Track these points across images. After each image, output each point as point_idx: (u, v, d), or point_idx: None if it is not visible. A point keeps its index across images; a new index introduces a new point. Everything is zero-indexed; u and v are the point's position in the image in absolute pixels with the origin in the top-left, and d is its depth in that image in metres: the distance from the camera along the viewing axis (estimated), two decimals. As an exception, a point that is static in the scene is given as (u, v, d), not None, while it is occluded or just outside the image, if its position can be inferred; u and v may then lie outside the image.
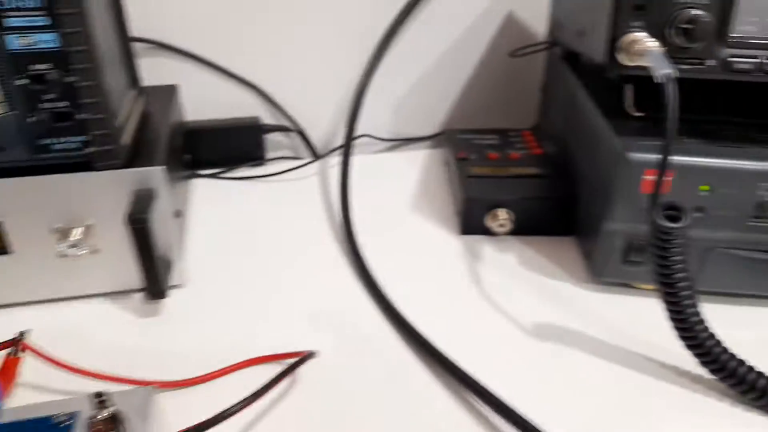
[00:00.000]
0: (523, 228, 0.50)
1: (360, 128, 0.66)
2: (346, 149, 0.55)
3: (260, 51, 0.62)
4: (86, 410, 0.28)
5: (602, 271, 0.44)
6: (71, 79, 0.35)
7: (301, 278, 0.46)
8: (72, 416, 0.28)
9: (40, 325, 0.39)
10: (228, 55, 0.61)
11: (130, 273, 0.42)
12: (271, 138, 0.64)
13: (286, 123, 0.65)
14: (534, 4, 0.65)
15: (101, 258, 0.41)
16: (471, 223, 0.51)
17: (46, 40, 0.34)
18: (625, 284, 0.45)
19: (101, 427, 0.26)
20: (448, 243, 0.51)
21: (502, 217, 0.49)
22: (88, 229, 0.40)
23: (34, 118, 0.36)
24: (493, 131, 0.63)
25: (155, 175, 0.39)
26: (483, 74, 0.68)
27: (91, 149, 0.37)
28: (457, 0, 0.63)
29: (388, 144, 0.69)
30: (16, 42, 0.34)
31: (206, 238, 0.51)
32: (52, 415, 0.28)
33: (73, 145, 0.37)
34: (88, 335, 0.40)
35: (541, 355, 0.39)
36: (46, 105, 0.36)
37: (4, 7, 0.33)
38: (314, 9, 0.61)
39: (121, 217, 0.40)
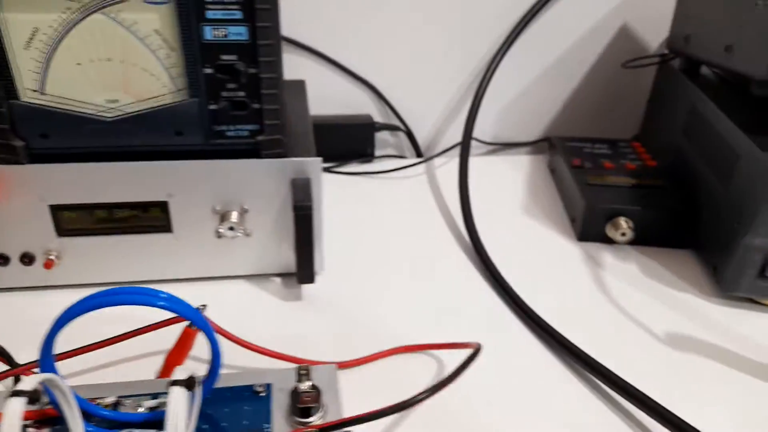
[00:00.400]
0: (642, 238, 0.51)
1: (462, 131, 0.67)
2: (464, 151, 0.57)
3: (375, 49, 0.63)
4: (279, 381, 0.30)
5: (735, 285, 0.44)
6: (253, 70, 0.37)
7: (428, 275, 0.47)
8: (268, 387, 0.30)
9: (195, 301, 0.42)
10: (342, 51, 0.63)
11: (274, 257, 0.44)
12: (378, 135, 0.66)
13: (394, 122, 0.66)
14: (649, 17, 0.65)
15: (251, 241, 0.43)
16: (590, 231, 0.52)
17: (238, 33, 0.36)
18: (750, 300, 0.45)
19: (309, 398, 0.27)
20: (567, 249, 0.51)
21: (623, 226, 0.50)
22: (243, 213, 0.42)
23: (214, 106, 0.38)
24: (601, 140, 0.63)
25: (313, 165, 0.41)
26: (588, 84, 0.68)
27: (261, 138, 0.40)
28: (571, 11, 0.64)
29: (488, 148, 0.70)
30: (210, 33, 0.36)
31: (330, 229, 0.52)
32: (252, 385, 0.29)
33: (243, 133, 0.40)
34: (238, 313, 0.42)
35: (676, 363, 0.39)
36: (227, 94, 0.38)
37: (209, 1, 0.35)
38: (431, 15, 0.62)
39: (276, 203, 0.42)
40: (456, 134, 0.68)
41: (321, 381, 0.29)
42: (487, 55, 0.65)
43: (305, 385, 0.28)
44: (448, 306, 0.44)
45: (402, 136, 0.68)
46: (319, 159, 0.41)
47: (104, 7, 0.35)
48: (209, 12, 0.35)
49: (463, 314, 0.43)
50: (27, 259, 0.40)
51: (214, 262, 0.43)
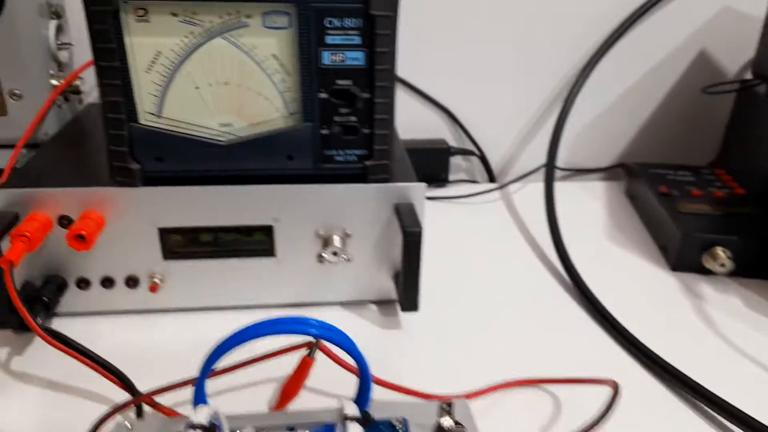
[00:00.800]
0: (740, 269, 0.49)
1: (536, 156, 0.67)
2: (549, 176, 0.56)
3: (449, 73, 0.63)
4: (415, 416, 0.29)
5: None
6: (366, 95, 0.37)
7: (523, 304, 0.46)
8: (404, 423, 0.29)
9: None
10: (417, 74, 0.63)
11: (372, 284, 0.43)
12: (451, 159, 0.66)
13: (468, 146, 0.66)
14: (728, 42, 0.64)
15: (351, 267, 0.42)
16: (685, 260, 0.50)
17: (355, 58, 0.36)
18: None
19: (457, 435, 0.26)
20: (662, 278, 0.50)
21: (722, 257, 0.48)
22: (345, 237, 0.41)
23: (326, 131, 0.38)
24: (681, 167, 0.62)
25: (417, 190, 0.40)
26: (664, 109, 0.67)
27: (369, 162, 0.39)
28: (651, 36, 0.63)
29: (561, 173, 0.69)
30: (328, 58, 0.36)
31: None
32: (389, 418, 0.28)
33: (352, 158, 0.39)
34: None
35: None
36: (339, 119, 0.38)
37: (330, 26, 0.35)
38: (506, 40, 0.62)
39: (377, 228, 0.41)
40: (530, 159, 0.68)
41: (458, 416, 0.28)
42: (562, 80, 0.64)
43: (448, 422, 0.27)
44: (550, 336, 0.42)
45: (474, 160, 0.67)
46: (423, 185, 0.40)
47: (226, 31, 0.35)
48: (329, 37, 0.35)
49: (567, 346, 0.41)
50: (132, 282, 0.40)
51: (314, 288, 0.43)
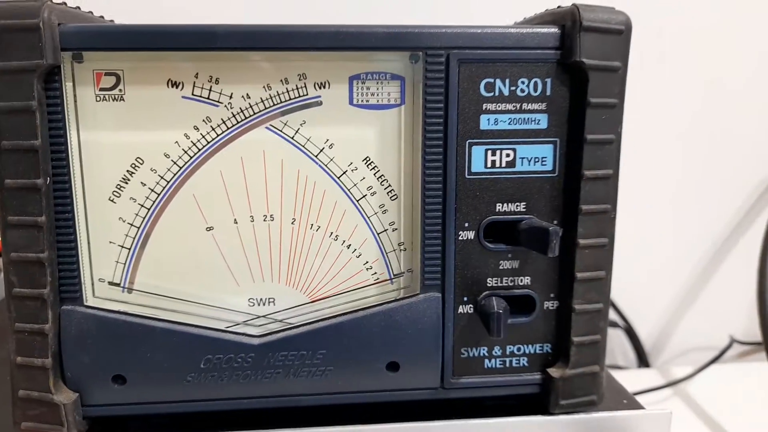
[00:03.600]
0: None
1: (699, 329, 0.46)
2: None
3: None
4: None
5: None
6: (553, 227, 0.19)
7: None
8: None
9: None
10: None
11: None
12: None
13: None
14: None
15: None
16: None
17: (537, 158, 0.18)
18: None
19: None
20: None
21: None
22: None
23: (467, 308, 0.19)
24: None
25: (659, 423, 0.20)
26: None
27: (557, 371, 0.19)
28: None
29: (740, 349, 0.47)
30: (482, 159, 0.18)
31: None
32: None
33: (519, 362, 0.19)
34: None
35: None
36: (497, 282, 0.19)
37: (490, 95, 0.17)
38: (662, 184, 0.45)
39: None
40: (692, 332, 0.47)
41: None
42: (728, 226, 0.46)
43: None
44: None
45: (616, 335, 0.46)
46: (669, 413, 0.20)
47: (277, 116, 0.18)
48: (486, 117, 0.18)
49: None
50: None
51: None
